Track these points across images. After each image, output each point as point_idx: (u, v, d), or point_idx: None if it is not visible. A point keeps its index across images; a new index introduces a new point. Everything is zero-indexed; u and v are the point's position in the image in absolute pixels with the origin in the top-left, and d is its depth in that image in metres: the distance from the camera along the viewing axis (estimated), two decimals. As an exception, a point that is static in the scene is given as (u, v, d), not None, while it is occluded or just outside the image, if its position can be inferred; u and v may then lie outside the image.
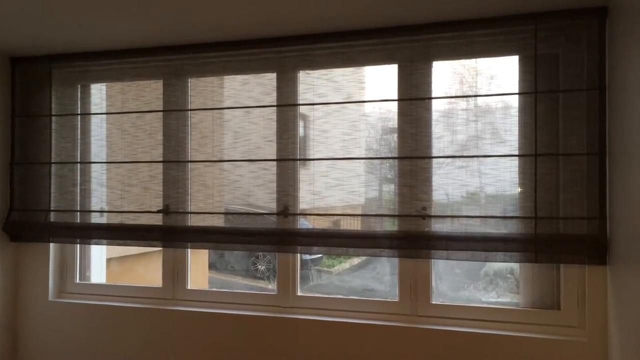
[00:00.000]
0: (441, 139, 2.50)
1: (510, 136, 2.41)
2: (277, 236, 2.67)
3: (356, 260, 5.14)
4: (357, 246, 2.56)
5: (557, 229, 2.30)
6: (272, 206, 2.73)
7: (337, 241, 2.58)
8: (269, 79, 2.74)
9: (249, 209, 2.81)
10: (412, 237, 2.48)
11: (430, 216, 2.48)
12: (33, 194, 3.05)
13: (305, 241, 2.63)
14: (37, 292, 3.09)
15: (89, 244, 3.08)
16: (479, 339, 2.41)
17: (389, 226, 2.57)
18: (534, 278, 2.52)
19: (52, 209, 3.02)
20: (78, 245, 3.15)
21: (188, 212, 2.84)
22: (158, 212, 2.89)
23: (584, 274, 2.32)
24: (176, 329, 2.82)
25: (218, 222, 2.79)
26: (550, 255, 2.29)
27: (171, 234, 2.84)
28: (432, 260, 2.57)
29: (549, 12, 2.26)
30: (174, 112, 2.87)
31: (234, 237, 2.73)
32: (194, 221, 2.83)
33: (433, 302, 2.56)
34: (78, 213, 3.03)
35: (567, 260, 2.30)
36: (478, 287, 3.27)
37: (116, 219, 2.96)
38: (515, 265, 3.01)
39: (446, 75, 2.51)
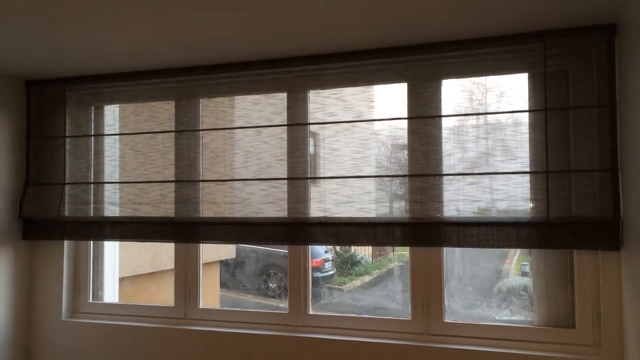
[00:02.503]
0: (451, 156, 2.50)
1: (521, 153, 2.40)
2: (290, 226, 2.69)
3: (367, 278, 5.13)
4: (369, 233, 2.56)
5: (569, 212, 2.30)
6: (284, 224, 2.73)
7: (349, 229, 2.60)
8: (280, 99, 2.77)
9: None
10: (423, 223, 2.49)
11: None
12: (47, 213, 3.08)
13: (317, 230, 2.65)
14: (50, 312, 3.11)
15: (103, 239, 3.12)
16: (492, 358, 2.38)
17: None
18: (547, 295, 2.50)
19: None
20: (91, 263, 3.18)
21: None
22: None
23: (598, 288, 2.30)
24: (188, 348, 2.82)
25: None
26: (562, 239, 2.29)
27: (184, 227, 2.87)
28: (444, 277, 2.56)
29: (558, 29, 2.27)
30: (186, 132, 2.90)
31: (248, 229, 2.76)
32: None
33: (446, 321, 2.54)
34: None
35: (580, 244, 2.28)
36: (491, 305, 3.25)
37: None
38: (528, 282, 2.99)
39: (456, 92, 2.52)
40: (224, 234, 2.80)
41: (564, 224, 2.28)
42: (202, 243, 2.94)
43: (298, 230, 2.68)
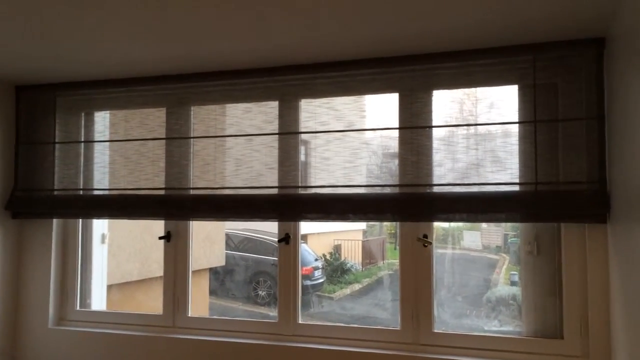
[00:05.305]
0: (442, 166, 2.51)
1: (510, 164, 2.42)
2: (280, 203, 2.69)
3: (357, 286, 5.13)
4: (360, 210, 2.57)
5: (557, 188, 2.33)
6: (274, 232, 2.73)
7: (340, 205, 2.59)
8: (271, 107, 2.77)
9: (249, 235, 2.81)
10: (414, 199, 2.50)
11: (431, 243, 2.50)
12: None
13: (308, 207, 2.65)
14: (36, 319, 3.07)
15: (92, 217, 3.15)
16: (482, 369, 2.39)
17: (391, 251, 2.56)
18: (536, 305, 2.51)
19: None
20: (79, 269, 3.14)
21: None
22: (160, 238, 2.91)
23: (585, 291, 2.31)
24: (177, 357, 2.80)
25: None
26: (550, 212, 2.32)
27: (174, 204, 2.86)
28: (434, 286, 2.56)
29: (548, 42, 2.29)
30: (177, 139, 2.90)
31: (239, 205, 2.75)
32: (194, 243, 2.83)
33: (435, 331, 2.54)
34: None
35: (567, 218, 2.32)
36: (480, 315, 3.26)
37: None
38: (517, 292, 3.00)
39: (446, 103, 2.53)
40: (215, 211, 2.80)
41: (551, 198, 2.32)
42: (192, 220, 2.93)
43: (288, 206, 2.68)
